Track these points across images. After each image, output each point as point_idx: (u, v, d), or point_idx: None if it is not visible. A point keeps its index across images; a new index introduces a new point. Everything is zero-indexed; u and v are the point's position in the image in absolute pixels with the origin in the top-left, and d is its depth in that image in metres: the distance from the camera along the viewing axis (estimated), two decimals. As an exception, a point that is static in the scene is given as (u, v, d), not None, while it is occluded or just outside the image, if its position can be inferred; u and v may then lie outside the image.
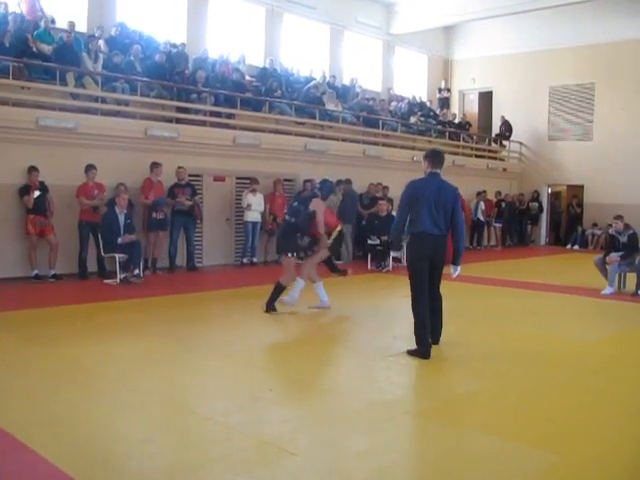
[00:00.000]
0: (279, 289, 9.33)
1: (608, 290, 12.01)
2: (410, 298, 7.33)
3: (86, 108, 13.22)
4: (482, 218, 21.76)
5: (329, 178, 10.49)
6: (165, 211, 13.34)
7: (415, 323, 7.24)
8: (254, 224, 14.88)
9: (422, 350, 7.16)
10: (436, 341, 7.54)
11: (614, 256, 12.13)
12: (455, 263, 7.59)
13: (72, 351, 7.14)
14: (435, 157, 7.61)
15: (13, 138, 11.88)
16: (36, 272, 11.79)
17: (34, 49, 13.25)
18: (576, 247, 23.05)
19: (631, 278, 12.14)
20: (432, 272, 7.34)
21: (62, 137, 12.41)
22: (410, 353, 7.23)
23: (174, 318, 9.20)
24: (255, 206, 14.80)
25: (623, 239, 12.26)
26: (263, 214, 15.08)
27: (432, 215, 7.22)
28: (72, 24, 14.28)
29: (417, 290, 7.30)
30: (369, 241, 15.30)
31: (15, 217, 11.88)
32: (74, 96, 13.31)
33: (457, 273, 7.63)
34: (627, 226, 12.48)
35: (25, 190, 11.67)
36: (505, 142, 25.55)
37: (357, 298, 11.50)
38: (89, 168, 12.32)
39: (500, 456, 4.61)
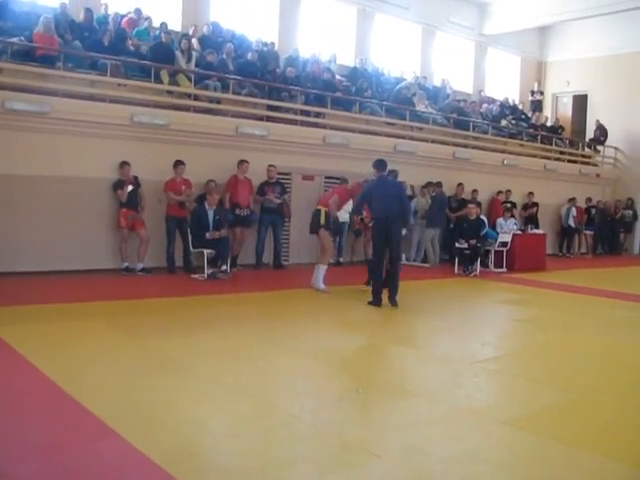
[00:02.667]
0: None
1: None
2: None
3: (179, 105, 13.42)
4: (573, 225, 21.20)
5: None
6: (252, 208, 13.42)
7: (374, 281, 10.29)
8: (342, 224, 14.81)
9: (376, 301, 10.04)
10: (393, 299, 10.07)
11: None
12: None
13: (161, 343, 7.22)
14: (379, 164, 10.62)
15: (109, 134, 12.15)
16: (126, 265, 12.04)
17: (131, 48, 13.55)
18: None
19: None
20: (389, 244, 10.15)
21: (155, 133, 12.63)
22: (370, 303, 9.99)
23: (262, 314, 9.24)
24: (345, 206, 14.72)
25: None
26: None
27: (380, 203, 10.11)
28: (165, 25, 14.56)
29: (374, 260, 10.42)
30: (457, 245, 15.04)
31: (109, 211, 12.15)
32: (168, 93, 13.53)
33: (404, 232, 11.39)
34: None
35: (119, 184, 11.93)
36: (599, 147, 24.79)
37: (443, 302, 11.34)
38: (177, 164, 12.50)
39: (585, 471, 4.44)
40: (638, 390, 6.43)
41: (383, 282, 10.14)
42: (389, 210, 10.04)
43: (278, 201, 13.65)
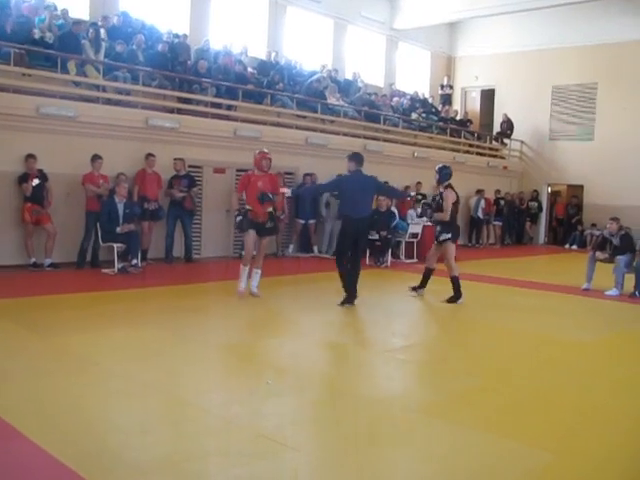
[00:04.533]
0: None
1: (614, 292, 12.01)
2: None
3: (87, 97, 13.15)
4: (481, 216, 21.74)
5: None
6: (160, 202, 13.30)
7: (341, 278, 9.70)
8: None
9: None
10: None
11: (601, 254, 12.46)
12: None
13: (69, 339, 7.10)
14: (358, 158, 9.87)
15: (13, 126, 11.79)
16: (34, 260, 11.74)
17: (36, 36, 13.16)
18: (574, 247, 23.04)
19: (629, 279, 12.12)
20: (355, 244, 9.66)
21: (63, 125, 12.34)
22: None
23: (172, 309, 9.17)
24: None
25: (616, 241, 12.31)
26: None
27: (355, 202, 9.59)
28: (65, 10, 14.27)
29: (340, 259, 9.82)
30: (368, 236, 15.20)
31: (13, 205, 11.80)
32: (75, 84, 13.24)
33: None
34: (621, 228, 12.53)
35: (24, 178, 11.60)
36: (506, 140, 25.52)
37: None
38: (95, 158, 12.27)
39: (498, 454, 4.58)
40: (541, 374, 6.67)
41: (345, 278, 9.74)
42: (362, 209, 9.68)
43: (180, 194, 13.54)
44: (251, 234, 9.87)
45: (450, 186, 10.72)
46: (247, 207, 9.94)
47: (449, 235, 10.48)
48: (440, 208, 10.58)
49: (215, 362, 6.74)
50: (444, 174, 10.84)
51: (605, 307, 11.19)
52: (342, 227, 10.02)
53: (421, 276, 10.92)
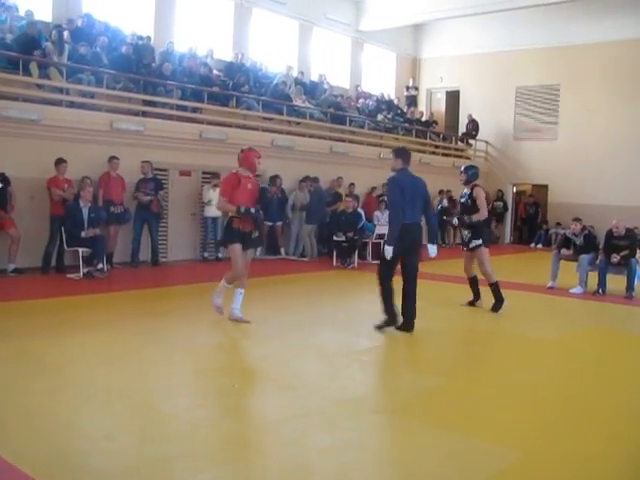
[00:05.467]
0: None
1: (578, 289, 12.19)
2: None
3: (51, 100, 13.02)
4: (446, 216, 21.86)
5: None
6: (125, 205, 13.23)
7: (385, 296, 8.21)
8: (214, 219, 14.80)
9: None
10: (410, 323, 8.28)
11: (566, 251, 12.65)
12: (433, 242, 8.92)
13: (33, 344, 7.04)
14: (406, 154, 8.43)
15: (-27, 129, 11.68)
16: (-3, 265, 11.63)
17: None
18: (539, 246, 23.31)
19: (593, 277, 12.31)
20: (407, 257, 8.30)
21: (26, 129, 12.20)
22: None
23: (137, 313, 9.14)
24: (216, 201, 14.72)
25: (579, 241, 12.51)
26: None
27: (413, 206, 8.13)
28: (30, 12, 14.09)
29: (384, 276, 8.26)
30: (334, 238, 15.30)
31: (-24, 210, 11.67)
32: (39, 87, 13.11)
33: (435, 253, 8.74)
34: (584, 228, 12.76)
35: (-16, 182, 11.47)
36: (471, 141, 25.74)
37: (320, 295, 11.51)
38: (59, 162, 12.13)
39: (464, 453, 4.63)
40: (507, 372, 6.75)
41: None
42: (416, 214, 8.26)
43: (147, 198, 13.48)
44: (238, 248, 8.23)
45: (478, 185, 10.20)
46: (231, 214, 8.38)
47: (480, 241, 9.87)
48: (473, 209, 9.88)
49: (181, 365, 6.72)
50: (472, 174, 10.30)
51: (570, 305, 11.35)
52: (396, 237, 8.09)
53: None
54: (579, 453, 4.72)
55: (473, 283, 10.33)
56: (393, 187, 8.26)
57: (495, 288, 9.95)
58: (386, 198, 8.32)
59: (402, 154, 8.40)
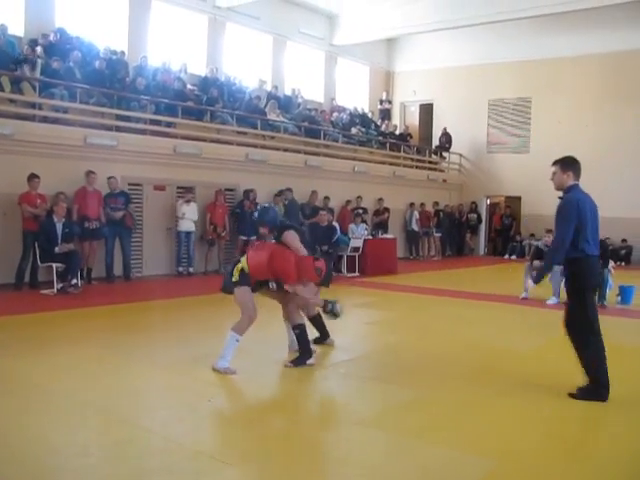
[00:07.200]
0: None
1: (553, 300, 12.33)
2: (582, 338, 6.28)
3: (23, 114, 12.97)
4: (417, 228, 22.08)
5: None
6: (102, 220, 13.18)
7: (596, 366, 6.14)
8: (187, 233, 14.84)
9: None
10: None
11: (538, 263, 12.62)
12: None
13: (7, 362, 6.98)
14: (577, 166, 6.45)
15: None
16: (-32, 282, 11.52)
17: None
18: (513, 257, 23.52)
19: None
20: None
21: (-2, 144, 12.17)
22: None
23: (112, 328, 9.10)
24: (189, 215, 14.77)
25: None
26: (197, 223, 15.08)
27: (594, 234, 6.23)
28: (4, 27, 14.07)
29: (594, 326, 6.20)
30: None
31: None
32: (11, 102, 13.05)
33: None
34: None
35: (-46, 198, 11.38)
36: (445, 154, 25.94)
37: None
38: (32, 177, 12.06)
39: (438, 463, 4.66)
40: (480, 383, 6.78)
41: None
42: (597, 243, 6.39)
43: (119, 213, 13.45)
44: (248, 290, 7.16)
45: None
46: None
47: None
48: None
49: (156, 380, 6.70)
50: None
51: (543, 315, 11.44)
52: (585, 277, 6.24)
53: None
54: (554, 460, 4.75)
55: None
56: (572, 210, 6.33)
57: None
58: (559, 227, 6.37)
59: (573, 165, 6.39)
